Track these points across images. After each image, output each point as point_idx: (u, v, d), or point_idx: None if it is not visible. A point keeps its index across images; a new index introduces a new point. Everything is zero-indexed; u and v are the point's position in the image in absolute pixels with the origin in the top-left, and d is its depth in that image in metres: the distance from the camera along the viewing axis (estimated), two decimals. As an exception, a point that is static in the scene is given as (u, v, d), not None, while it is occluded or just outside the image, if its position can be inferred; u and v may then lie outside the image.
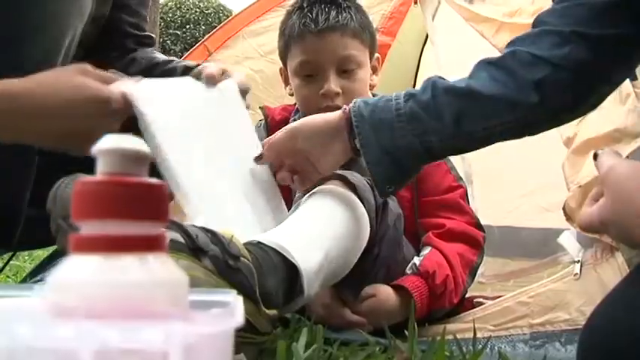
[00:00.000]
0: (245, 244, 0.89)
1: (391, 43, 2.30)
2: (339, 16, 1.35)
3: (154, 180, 0.37)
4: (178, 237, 0.78)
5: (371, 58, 1.44)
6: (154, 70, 1.27)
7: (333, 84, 1.34)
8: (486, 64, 0.96)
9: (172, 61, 1.30)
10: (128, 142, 0.37)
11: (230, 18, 2.24)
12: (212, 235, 0.83)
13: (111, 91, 0.87)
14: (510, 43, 0.96)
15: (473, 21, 1.73)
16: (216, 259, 0.80)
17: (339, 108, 1.26)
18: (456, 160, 1.54)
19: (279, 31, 1.46)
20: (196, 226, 0.84)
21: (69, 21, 0.99)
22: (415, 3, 2.24)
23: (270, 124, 1.47)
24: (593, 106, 0.98)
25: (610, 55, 0.90)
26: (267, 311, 0.85)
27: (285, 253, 0.92)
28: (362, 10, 1.44)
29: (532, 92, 0.90)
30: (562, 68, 0.89)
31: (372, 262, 1.19)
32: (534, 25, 0.95)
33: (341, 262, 1.06)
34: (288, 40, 1.41)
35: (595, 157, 0.77)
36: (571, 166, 1.31)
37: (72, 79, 0.85)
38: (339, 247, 1.04)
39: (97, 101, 0.85)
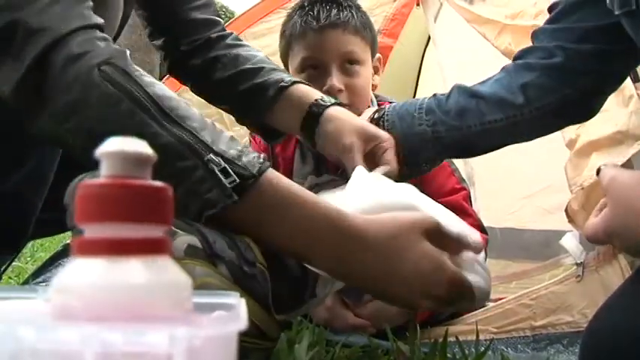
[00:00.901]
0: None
1: (393, 44, 2.29)
2: (341, 14, 1.36)
3: (157, 182, 0.37)
4: (197, 242, 0.78)
5: (372, 58, 1.43)
6: (240, 83, 1.18)
7: (336, 80, 1.34)
8: (502, 69, 1.13)
9: (261, 70, 1.18)
10: (131, 144, 0.37)
11: (232, 19, 2.24)
12: (229, 239, 0.83)
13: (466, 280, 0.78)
14: (515, 56, 1.13)
15: (475, 23, 1.73)
16: (232, 266, 0.79)
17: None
18: (458, 161, 1.54)
19: (280, 32, 1.46)
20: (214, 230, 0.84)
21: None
22: (417, 4, 2.24)
23: None
24: (581, 114, 1.13)
25: (590, 64, 1.04)
26: (278, 317, 0.84)
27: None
28: (362, 11, 1.44)
29: (519, 94, 1.06)
30: (545, 75, 1.05)
31: None
32: (533, 35, 1.12)
33: None
34: (289, 40, 1.41)
35: (598, 172, 0.78)
36: (573, 168, 1.31)
37: (422, 245, 0.75)
38: None
39: (453, 284, 0.75)
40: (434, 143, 1.12)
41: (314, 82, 1.36)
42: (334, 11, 1.36)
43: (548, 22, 1.10)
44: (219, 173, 0.70)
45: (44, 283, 1.58)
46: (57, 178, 1.01)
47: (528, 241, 2.45)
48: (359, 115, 1.33)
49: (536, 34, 1.11)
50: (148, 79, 0.75)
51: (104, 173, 0.36)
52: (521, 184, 2.52)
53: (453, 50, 2.22)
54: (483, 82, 1.13)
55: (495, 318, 1.28)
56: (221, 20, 1.28)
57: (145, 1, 1.20)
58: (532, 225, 2.48)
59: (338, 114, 1.10)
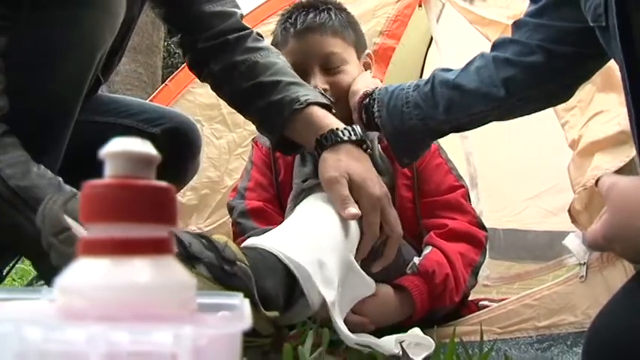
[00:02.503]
0: (242, 249, 0.89)
1: (395, 45, 2.30)
2: (317, 18, 1.39)
3: (161, 183, 0.38)
4: None
5: (359, 55, 1.45)
6: (257, 99, 1.20)
7: (319, 81, 1.36)
8: (480, 56, 1.17)
9: (278, 84, 1.20)
10: (136, 144, 0.37)
11: (234, 22, 2.24)
12: (207, 241, 0.83)
13: None
14: (493, 45, 1.17)
15: (477, 24, 1.73)
16: (211, 266, 0.80)
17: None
18: (461, 162, 1.54)
19: None
20: (190, 233, 0.84)
21: (104, 36, 0.99)
22: (419, 6, 2.24)
23: None
24: (560, 100, 1.19)
25: (568, 65, 1.07)
26: (268, 313, 0.85)
27: (281, 257, 0.92)
28: (344, 11, 1.47)
29: (501, 88, 1.11)
30: (527, 71, 1.09)
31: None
32: (514, 25, 1.14)
33: (340, 266, 1.06)
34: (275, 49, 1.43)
35: (597, 182, 0.78)
36: (576, 169, 1.31)
37: None
38: (335, 251, 1.04)
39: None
40: (426, 134, 1.21)
41: None
42: (311, 15, 1.39)
43: (531, 15, 1.10)
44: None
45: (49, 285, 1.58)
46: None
47: (532, 242, 2.45)
48: (348, 111, 1.36)
49: (517, 25, 1.13)
50: (14, 163, 0.82)
51: (109, 173, 0.37)
52: (524, 186, 2.52)
53: (455, 51, 2.22)
54: (464, 70, 1.17)
55: (499, 319, 1.27)
56: (237, 11, 1.28)
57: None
58: (535, 226, 2.48)
59: (338, 149, 1.12)
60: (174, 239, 0.78)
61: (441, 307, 1.27)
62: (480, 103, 1.14)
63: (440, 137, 1.29)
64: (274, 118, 1.18)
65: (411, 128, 1.19)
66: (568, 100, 1.19)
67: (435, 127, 1.19)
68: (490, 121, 1.21)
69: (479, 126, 1.22)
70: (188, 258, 0.78)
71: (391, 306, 1.24)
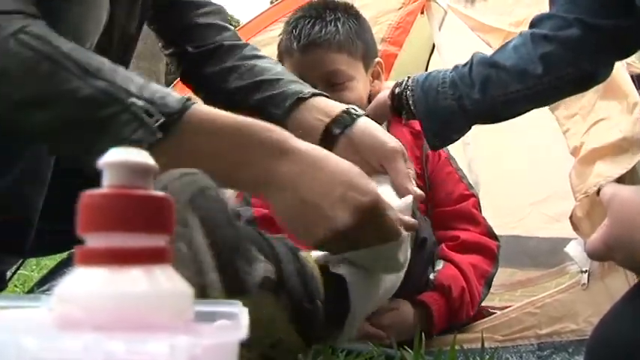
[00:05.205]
0: (324, 274, 0.78)
1: (398, 53, 2.30)
2: (322, 31, 1.32)
3: (159, 193, 0.38)
4: (271, 273, 0.69)
5: (367, 66, 1.39)
6: (257, 92, 1.14)
7: None
8: (519, 35, 1.15)
9: (280, 80, 1.14)
10: (134, 154, 0.37)
11: (237, 28, 2.25)
12: (297, 259, 0.74)
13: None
14: (532, 23, 1.15)
15: (480, 31, 1.73)
16: (291, 298, 0.70)
17: None
18: (463, 169, 1.54)
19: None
20: (284, 242, 0.77)
21: (87, 30, 0.99)
22: (422, 13, 2.25)
23: None
24: (597, 82, 1.16)
25: (606, 40, 1.05)
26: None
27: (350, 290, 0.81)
28: (354, 18, 1.39)
29: (538, 64, 1.08)
30: (564, 46, 1.07)
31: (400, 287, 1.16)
32: (549, 4, 1.13)
33: (383, 298, 1.02)
34: (280, 56, 1.41)
35: (598, 192, 0.78)
36: (578, 176, 1.31)
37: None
38: (386, 287, 0.96)
39: (375, 199, 0.75)
40: (461, 115, 1.17)
41: None
42: (317, 28, 1.32)
43: None
44: (142, 114, 0.72)
45: (50, 292, 1.58)
46: (61, 192, 1.01)
47: (534, 249, 2.45)
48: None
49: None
50: (63, 39, 0.76)
51: (106, 183, 0.37)
52: (527, 192, 2.52)
53: (458, 58, 2.22)
54: (501, 49, 1.16)
55: (501, 326, 1.27)
56: (231, 27, 1.27)
57: (155, 15, 1.20)
58: (537, 233, 2.48)
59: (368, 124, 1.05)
60: (273, 263, 0.69)
61: (458, 322, 1.27)
62: (516, 81, 1.11)
63: (474, 122, 1.22)
64: (276, 107, 1.11)
65: (444, 108, 1.17)
66: (603, 81, 1.16)
67: (469, 107, 1.15)
68: (524, 110, 1.17)
69: (513, 114, 1.18)
70: (277, 289, 0.69)
71: (410, 321, 1.23)
